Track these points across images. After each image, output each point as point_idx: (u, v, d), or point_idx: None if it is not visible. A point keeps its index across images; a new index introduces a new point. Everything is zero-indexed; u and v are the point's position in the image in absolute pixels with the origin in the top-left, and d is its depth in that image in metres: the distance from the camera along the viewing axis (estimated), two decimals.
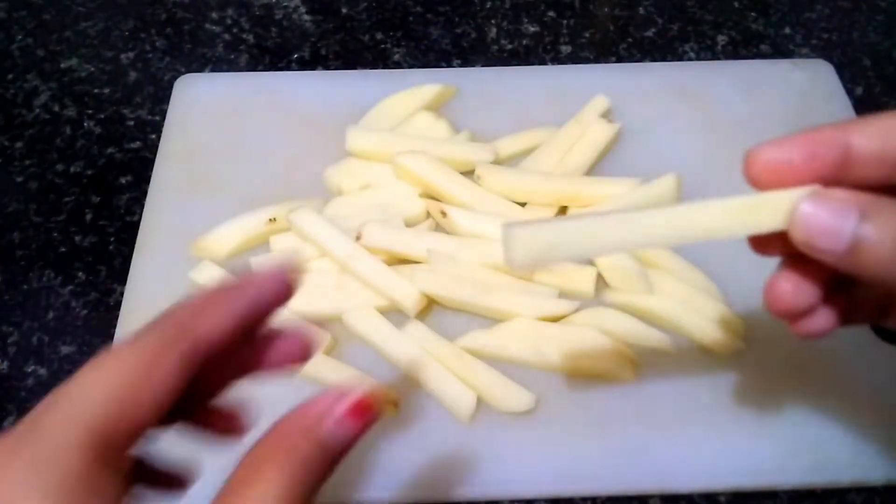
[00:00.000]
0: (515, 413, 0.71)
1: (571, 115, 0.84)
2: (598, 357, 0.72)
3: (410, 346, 0.75)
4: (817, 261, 0.51)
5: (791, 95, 0.87)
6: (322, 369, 0.73)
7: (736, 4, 0.96)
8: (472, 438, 0.71)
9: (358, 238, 0.78)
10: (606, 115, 0.86)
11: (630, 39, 0.93)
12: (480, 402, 0.72)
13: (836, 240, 0.49)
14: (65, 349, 0.73)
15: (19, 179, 0.83)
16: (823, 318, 0.54)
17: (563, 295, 0.76)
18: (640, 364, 0.73)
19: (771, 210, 0.51)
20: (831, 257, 0.50)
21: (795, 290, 0.53)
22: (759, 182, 0.51)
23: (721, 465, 0.68)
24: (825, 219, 0.49)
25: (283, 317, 0.72)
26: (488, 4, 0.96)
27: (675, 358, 0.71)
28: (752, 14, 0.95)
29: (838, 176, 0.51)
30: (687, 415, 0.70)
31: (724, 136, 0.83)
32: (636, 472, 0.68)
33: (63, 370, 0.72)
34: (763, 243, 0.53)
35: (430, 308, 0.78)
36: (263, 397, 0.70)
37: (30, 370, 0.72)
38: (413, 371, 0.74)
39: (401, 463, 0.69)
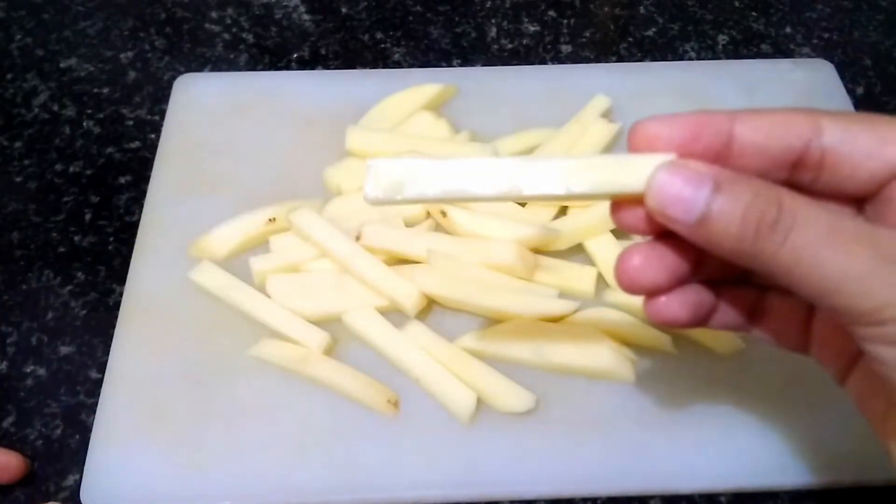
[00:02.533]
0: (516, 413, 0.71)
1: (572, 114, 0.84)
2: (598, 357, 0.72)
3: (410, 346, 0.75)
4: (677, 243, 0.52)
5: (792, 95, 0.87)
6: (322, 369, 0.72)
7: (737, 4, 0.96)
8: (472, 439, 0.70)
9: (358, 238, 0.78)
10: (607, 114, 0.85)
11: (630, 39, 0.93)
12: (480, 402, 0.71)
13: (688, 209, 0.49)
14: (64, 349, 0.73)
15: (18, 179, 0.84)
16: (677, 306, 0.54)
17: (563, 295, 0.76)
18: (640, 364, 0.72)
19: (630, 172, 0.51)
20: (683, 228, 0.50)
21: (643, 264, 0.53)
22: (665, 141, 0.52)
23: (722, 466, 0.67)
24: (679, 187, 0.49)
25: (285, 317, 0.76)
26: (488, 4, 0.96)
27: (676, 358, 0.71)
28: (753, 14, 0.95)
29: (718, 161, 0.51)
30: (687, 415, 0.70)
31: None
32: (636, 473, 0.68)
33: (62, 370, 0.72)
34: (625, 218, 0.53)
35: (429, 308, 0.78)
36: (264, 399, 0.73)
37: (29, 370, 0.72)
38: (413, 371, 0.73)
39: (400, 463, 0.69)
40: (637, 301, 0.68)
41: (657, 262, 0.53)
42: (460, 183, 0.54)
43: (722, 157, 0.52)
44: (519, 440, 0.70)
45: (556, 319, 0.74)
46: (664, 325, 0.55)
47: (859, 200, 0.53)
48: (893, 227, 0.51)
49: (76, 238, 0.80)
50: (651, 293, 0.54)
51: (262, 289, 0.78)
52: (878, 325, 0.46)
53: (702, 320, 0.55)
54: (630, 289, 0.54)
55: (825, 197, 0.54)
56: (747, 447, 0.68)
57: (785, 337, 0.56)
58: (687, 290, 0.54)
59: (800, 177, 0.52)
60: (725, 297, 0.56)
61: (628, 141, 0.52)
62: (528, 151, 0.85)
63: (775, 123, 0.52)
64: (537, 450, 0.70)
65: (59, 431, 0.71)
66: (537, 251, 0.77)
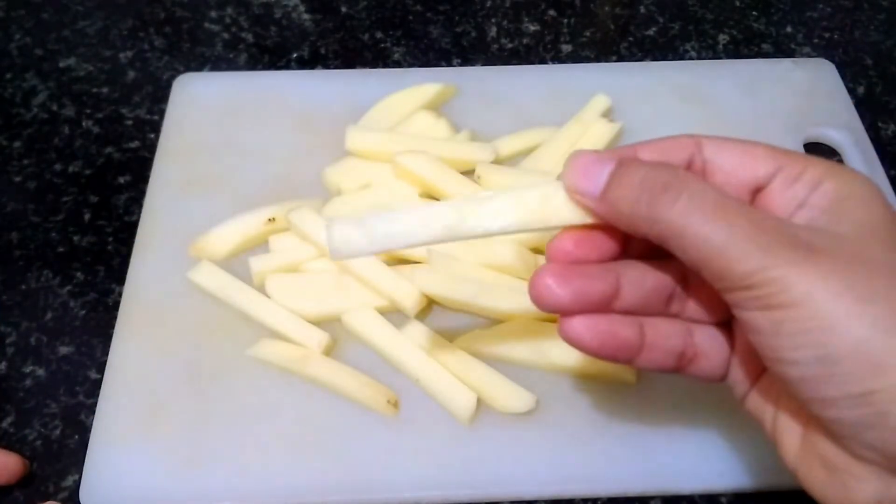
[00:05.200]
0: (516, 414, 0.71)
1: (572, 114, 0.85)
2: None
3: (410, 346, 0.75)
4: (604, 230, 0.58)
5: (792, 95, 0.88)
6: (322, 370, 0.73)
7: (737, 3, 0.96)
8: (472, 439, 0.71)
9: None
10: (607, 114, 0.86)
11: (631, 38, 0.93)
12: (480, 402, 0.71)
13: (595, 182, 0.55)
14: (63, 349, 0.73)
15: (17, 179, 0.84)
16: (582, 328, 0.57)
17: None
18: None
19: (559, 203, 0.57)
20: (591, 201, 0.56)
21: (574, 249, 0.58)
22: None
23: (723, 466, 0.67)
24: (587, 163, 0.55)
25: (285, 317, 0.77)
26: (488, 3, 0.97)
27: None
28: (754, 13, 0.95)
29: None
30: (687, 415, 0.70)
31: (726, 136, 0.80)
32: (637, 473, 0.68)
33: (61, 371, 0.72)
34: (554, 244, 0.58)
35: (429, 308, 0.78)
36: (263, 399, 0.73)
37: (28, 370, 0.72)
38: (412, 371, 0.73)
39: (400, 463, 0.69)
40: None
41: (588, 244, 0.58)
42: (408, 235, 0.57)
43: None
44: (519, 441, 0.70)
45: (555, 319, 0.72)
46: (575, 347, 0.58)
47: None
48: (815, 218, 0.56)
49: (75, 238, 0.80)
50: (577, 283, 0.57)
51: (261, 289, 0.79)
52: (750, 289, 0.50)
53: (617, 353, 0.58)
54: (537, 302, 0.57)
55: None
56: (747, 447, 0.68)
57: (710, 375, 0.59)
58: (601, 319, 0.57)
59: None
60: (653, 336, 0.58)
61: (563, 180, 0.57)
62: (529, 151, 0.85)
63: (665, 144, 0.58)
64: (537, 450, 0.70)
65: (58, 432, 0.71)
66: (536, 251, 0.76)
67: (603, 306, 0.59)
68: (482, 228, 0.58)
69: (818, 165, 0.56)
